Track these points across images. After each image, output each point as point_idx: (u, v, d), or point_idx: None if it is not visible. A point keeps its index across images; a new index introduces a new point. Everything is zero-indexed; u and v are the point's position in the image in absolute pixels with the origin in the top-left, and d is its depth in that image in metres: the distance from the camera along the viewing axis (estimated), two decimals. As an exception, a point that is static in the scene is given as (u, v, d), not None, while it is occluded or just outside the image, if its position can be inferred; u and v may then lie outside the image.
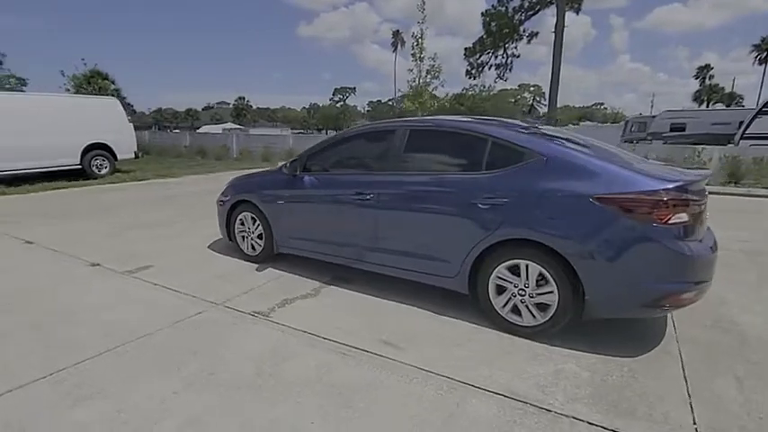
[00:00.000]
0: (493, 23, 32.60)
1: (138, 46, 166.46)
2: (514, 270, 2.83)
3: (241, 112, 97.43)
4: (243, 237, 4.48)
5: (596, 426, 2.04)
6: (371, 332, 2.95)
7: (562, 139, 3.10)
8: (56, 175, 10.62)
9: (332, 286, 3.79)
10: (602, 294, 2.61)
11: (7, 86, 49.47)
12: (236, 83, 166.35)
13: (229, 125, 48.19)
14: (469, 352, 2.71)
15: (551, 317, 2.74)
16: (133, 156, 12.09)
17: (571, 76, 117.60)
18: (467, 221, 2.95)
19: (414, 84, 18.10)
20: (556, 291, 2.69)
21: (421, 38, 17.70)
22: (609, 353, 2.67)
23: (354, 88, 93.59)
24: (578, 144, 3.07)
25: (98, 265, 4.34)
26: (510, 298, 2.88)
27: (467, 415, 2.11)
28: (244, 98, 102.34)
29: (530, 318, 2.83)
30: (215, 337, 2.88)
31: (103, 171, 11.30)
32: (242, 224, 4.46)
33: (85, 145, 10.84)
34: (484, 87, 35.89)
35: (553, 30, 26.49)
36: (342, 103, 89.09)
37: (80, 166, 10.82)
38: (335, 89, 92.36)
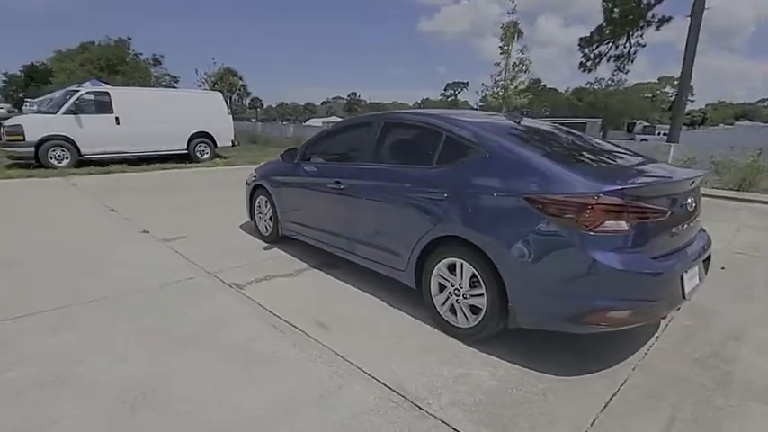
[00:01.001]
0: (615, 9, 29.49)
1: (267, 46, 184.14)
2: (452, 268, 2.75)
3: (352, 107, 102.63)
4: (260, 218, 4.93)
5: (458, 430, 1.95)
6: (316, 313, 3.10)
7: (522, 134, 2.89)
8: (168, 159, 12.50)
9: (316, 270, 4.01)
10: (524, 302, 2.41)
11: (163, 83, 58.73)
12: (355, 79, 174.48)
13: (334, 119, 51.08)
14: (392, 344, 2.72)
15: (480, 321, 2.61)
16: (230, 144, 13.66)
17: (731, 68, 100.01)
18: (414, 215, 2.93)
19: (498, 78, 17.29)
20: (485, 294, 2.55)
21: (512, 29, 16.79)
22: (541, 368, 2.46)
23: (467, 83, 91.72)
24: (543, 140, 2.84)
25: (147, 232, 5.15)
26: (448, 297, 2.80)
27: (339, 398, 2.17)
28: (355, 93, 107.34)
29: (463, 319, 2.72)
30: (186, 299, 3.29)
31: (205, 156, 12.98)
32: (259, 207, 4.91)
33: (191, 133, 12.57)
34: (612, 81, 32.59)
35: (688, 14, 23.04)
36: (453, 97, 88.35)
37: (186, 152, 12.61)
38: (447, 84, 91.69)
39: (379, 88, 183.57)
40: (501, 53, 17.00)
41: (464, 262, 2.65)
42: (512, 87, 16.41)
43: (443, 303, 2.83)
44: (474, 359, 2.56)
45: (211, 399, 2.15)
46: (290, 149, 4.32)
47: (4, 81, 59.45)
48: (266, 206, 4.74)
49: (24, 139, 9.84)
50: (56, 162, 10.21)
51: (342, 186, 3.54)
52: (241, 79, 57.88)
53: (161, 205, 6.78)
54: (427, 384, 2.29)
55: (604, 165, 2.84)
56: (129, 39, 53.59)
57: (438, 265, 2.81)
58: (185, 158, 12.60)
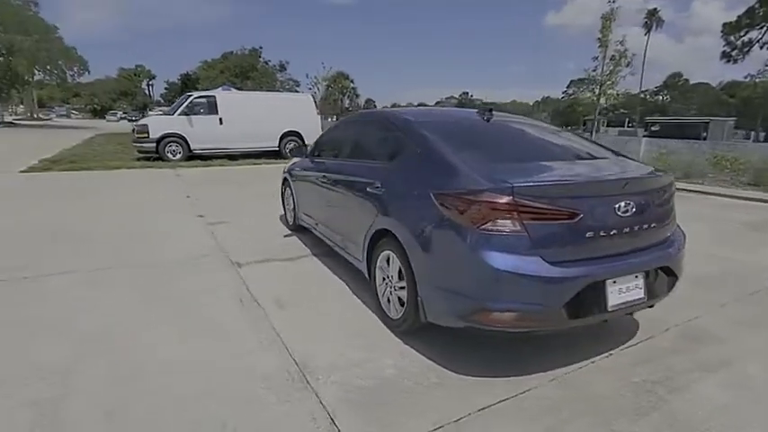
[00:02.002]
0: (775, -14, 24.68)
1: (384, 48, 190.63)
2: (388, 261, 2.85)
3: (463, 107, 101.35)
4: (287, 208, 5.45)
5: (324, 405, 2.10)
6: (283, 292, 3.42)
7: (467, 132, 2.86)
8: (262, 155, 13.98)
9: (314, 257, 4.35)
10: (427, 296, 2.42)
11: (286, 87, 64.68)
12: (472, 78, 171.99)
13: None
14: (329, 326, 2.92)
15: (403, 313, 2.68)
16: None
17: None
18: (363, 209, 3.08)
19: (594, 72, 15.65)
20: (406, 287, 2.62)
21: (610, 18, 15.11)
22: (449, 364, 2.43)
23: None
24: (486, 138, 2.82)
25: (202, 216, 6.02)
26: (385, 288, 2.91)
27: (245, 361, 2.45)
28: (467, 93, 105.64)
29: (393, 310, 2.81)
30: (188, 273, 3.88)
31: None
32: (285, 198, 5.42)
33: (282, 132, 13.91)
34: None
35: None
36: (574, 95, 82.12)
37: (278, 149, 13.98)
38: (571, 81, 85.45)
39: (497, 88, 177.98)
40: (599, 46, 15.45)
41: (394, 255, 2.73)
42: (608, 82, 14.82)
43: (383, 294, 2.95)
44: (393, 348, 2.64)
45: (146, 344, 2.61)
46: (300, 146, 4.73)
47: (165, 88, 71.54)
48: (289, 198, 5.23)
49: (149, 137, 11.95)
50: (171, 156, 12.19)
51: (325, 180, 3.82)
52: (352, 82, 61.65)
53: (229, 195, 7.76)
54: (329, 364, 2.45)
55: (528, 163, 2.64)
56: (261, 48, 59.82)
57: (380, 257, 2.93)
58: (276, 155, 13.98)
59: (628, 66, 15.43)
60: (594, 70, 15.66)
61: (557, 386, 2.30)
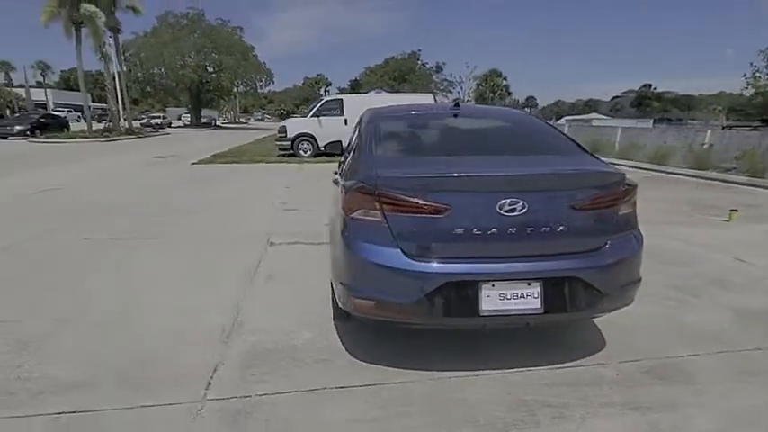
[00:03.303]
0: None
1: (552, 44, 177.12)
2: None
3: (643, 101, 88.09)
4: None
5: (224, 355, 2.50)
6: (284, 269, 3.94)
7: (417, 125, 3.00)
8: None
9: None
10: (331, 281, 2.59)
11: (441, 87, 65.82)
12: (661, 68, 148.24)
13: (594, 115, 45.56)
14: (296, 301, 3.27)
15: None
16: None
17: None
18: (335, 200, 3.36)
19: None
20: None
21: None
22: (360, 350, 2.57)
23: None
24: (431, 131, 2.84)
25: (284, 203, 6.99)
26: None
27: (202, 314, 3.01)
28: (650, 85, 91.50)
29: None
30: (229, 247, 4.68)
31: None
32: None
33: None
34: None
35: None
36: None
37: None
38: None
39: (700, 76, 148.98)
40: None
41: None
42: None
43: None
44: (322, 326, 2.85)
45: (163, 280, 3.40)
46: None
47: (337, 93, 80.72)
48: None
49: (286, 136, 13.95)
50: (302, 153, 14.00)
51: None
52: (505, 79, 59.51)
53: (324, 187, 8.69)
54: (259, 328, 2.84)
55: (446, 157, 2.54)
56: (419, 50, 62.40)
57: None
58: None
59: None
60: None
61: (429, 385, 2.25)
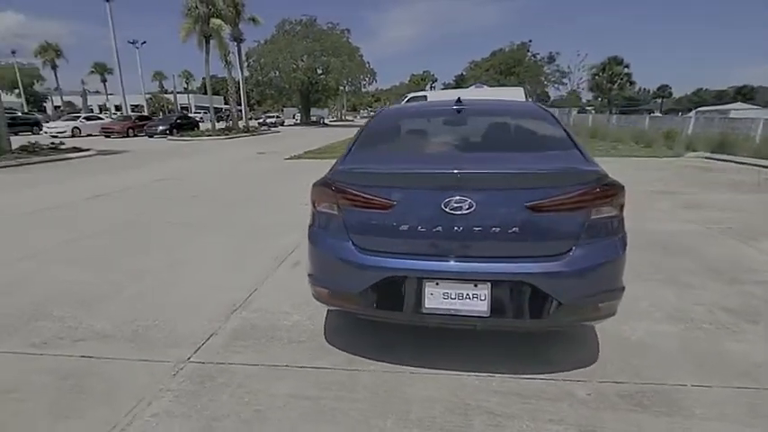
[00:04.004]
0: None
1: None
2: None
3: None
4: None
5: (219, 326, 2.84)
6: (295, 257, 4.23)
7: (416, 119, 3.20)
8: None
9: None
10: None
11: (552, 79, 62.15)
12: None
13: (737, 105, 38.43)
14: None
15: None
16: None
17: None
18: None
19: None
20: None
21: None
22: (338, 338, 2.74)
23: None
24: (424, 127, 2.90)
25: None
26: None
27: (221, 291, 3.41)
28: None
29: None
30: (265, 234, 5.12)
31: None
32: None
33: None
34: None
35: None
36: None
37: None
38: None
39: None
40: None
41: None
42: None
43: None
44: (313, 311, 3.03)
45: (203, 259, 3.92)
46: None
47: (442, 88, 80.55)
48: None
49: (371, 133, 14.42)
50: (385, 149, 14.35)
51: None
52: (626, 67, 53.23)
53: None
54: (261, 308, 3.14)
55: (428, 153, 2.63)
56: (530, 41, 59.51)
57: None
58: None
59: None
60: None
61: (380, 377, 2.31)
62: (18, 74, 48.85)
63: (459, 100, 3.03)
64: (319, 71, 46.82)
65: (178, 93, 66.06)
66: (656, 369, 2.34)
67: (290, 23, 46.60)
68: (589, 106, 55.23)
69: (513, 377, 2.28)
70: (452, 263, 2.07)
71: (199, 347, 2.61)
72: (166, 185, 8.91)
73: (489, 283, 2.03)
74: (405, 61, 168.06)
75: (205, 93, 37.13)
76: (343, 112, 76.57)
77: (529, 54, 65.05)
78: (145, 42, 48.21)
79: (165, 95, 63.09)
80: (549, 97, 69.33)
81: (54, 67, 46.49)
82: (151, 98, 58.24)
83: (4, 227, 5.69)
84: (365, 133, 2.83)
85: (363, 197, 2.16)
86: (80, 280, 3.71)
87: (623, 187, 2.14)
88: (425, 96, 14.18)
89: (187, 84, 70.31)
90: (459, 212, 2.02)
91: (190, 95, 67.76)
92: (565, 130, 2.56)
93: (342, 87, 51.46)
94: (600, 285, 2.07)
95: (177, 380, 2.30)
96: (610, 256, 2.06)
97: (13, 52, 51.01)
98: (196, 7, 24.72)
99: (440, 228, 2.05)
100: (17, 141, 15.07)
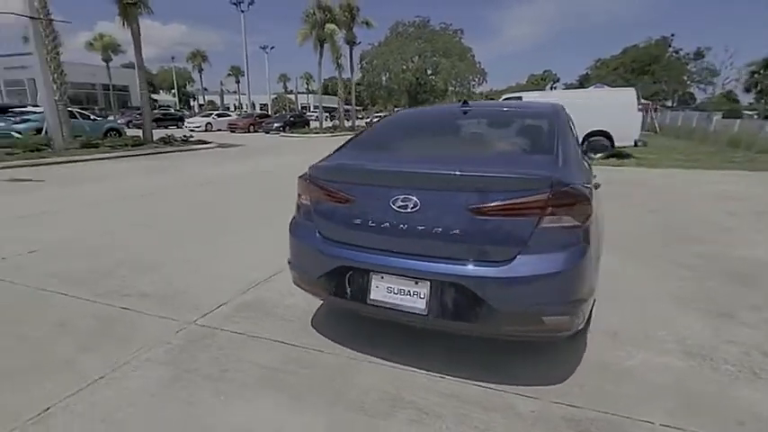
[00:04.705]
0: None
1: None
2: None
3: None
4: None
5: (231, 298, 3.25)
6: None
7: (417, 122, 3.30)
8: None
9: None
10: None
11: (696, 79, 54.65)
12: None
13: None
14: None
15: None
16: (632, 144, 12.76)
17: None
18: None
19: None
20: None
21: None
22: (321, 325, 2.97)
23: None
24: (420, 129, 3.00)
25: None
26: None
27: (241, 267, 3.84)
28: None
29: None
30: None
31: (597, 156, 12.95)
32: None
33: (589, 131, 12.90)
34: None
35: None
36: None
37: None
38: None
39: None
40: None
41: None
42: None
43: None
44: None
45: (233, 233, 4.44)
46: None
47: (563, 88, 75.64)
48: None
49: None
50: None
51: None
52: (799, 64, 43.88)
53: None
54: (275, 290, 3.47)
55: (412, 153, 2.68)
56: (672, 36, 53.22)
57: None
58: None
59: None
60: None
61: (338, 362, 2.46)
62: (174, 76, 58.12)
63: (465, 103, 3.02)
64: (429, 72, 47.28)
65: (300, 93, 72.19)
66: (628, 400, 2.12)
67: (403, 25, 47.81)
68: (751, 110, 46.38)
69: (463, 381, 2.26)
70: (397, 259, 2.13)
71: (206, 314, 3.03)
72: (254, 178, 9.98)
73: (429, 282, 2.06)
74: (525, 60, 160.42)
75: (324, 93, 40.10)
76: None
77: (670, 50, 57.68)
78: (273, 47, 53.67)
79: (288, 95, 69.35)
80: (694, 99, 60.63)
81: (200, 71, 54.17)
82: (276, 98, 64.55)
83: (123, 204, 6.99)
84: (366, 132, 2.99)
85: (328, 190, 2.34)
86: (151, 248, 4.48)
87: (585, 196, 1.99)
88: (520, 98, 13.61)
89: (308, 85, 76.26)
90: (404, 211, 2.09)
91: (310, 96, 73.41)
92: (557, 134, 2.42)
93: (451, 88, 51.20)
94: (542, 297, 1.96)
95: (177, 336, 2.73)
96: (558, 267, 1.94)
97: (173, 58, 60.92)
98: (314, 13, 26.81)
99: (388, 224, 2.14)
100: (159, 134, 18.06)
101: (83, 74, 38.62)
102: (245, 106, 58.39)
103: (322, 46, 27.86)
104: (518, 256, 1.96)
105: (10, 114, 15.35)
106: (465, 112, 2.97)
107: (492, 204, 1.96)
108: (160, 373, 2.35)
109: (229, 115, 35.13)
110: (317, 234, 2.39)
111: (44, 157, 11.48)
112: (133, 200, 7.19)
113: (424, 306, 2.07)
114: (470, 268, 2.00)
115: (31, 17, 11.41)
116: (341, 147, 2.83)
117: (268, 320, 2.95)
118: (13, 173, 9.99)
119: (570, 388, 2.22)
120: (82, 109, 19.73)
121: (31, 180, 9.14)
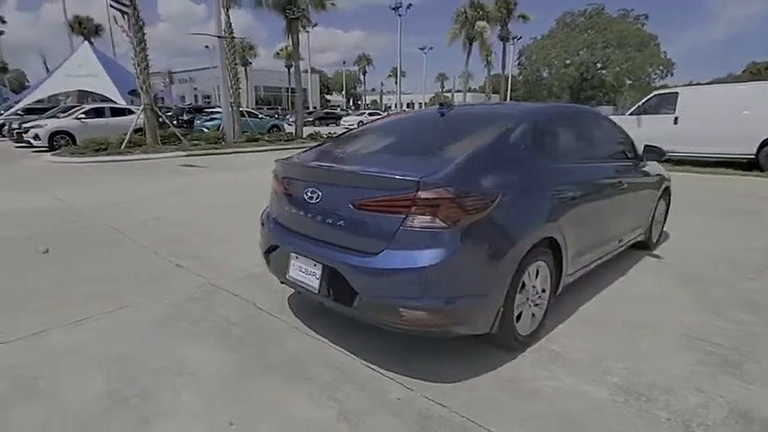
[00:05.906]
0: None
1: None
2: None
3: None
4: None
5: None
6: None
7: (399, 125, 3.50)
8: (732, 164, 10.87)
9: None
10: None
11: None
12: None
13: None
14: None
15: None
16: None
17: None
18: None
19: None
20: None
21: None
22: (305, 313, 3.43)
23: None
24: (407, 130, 3.30)
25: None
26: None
27: (237, 256, 4.50)
28: None
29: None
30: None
31: (777, 166, 10.14)
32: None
33: (764, 138, 10.21)
34: None
35: None
36: None
37: (754, 157, 10.45)
38: None
39: None
40: None
41: None
42: None
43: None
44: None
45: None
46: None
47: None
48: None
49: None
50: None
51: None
52: None
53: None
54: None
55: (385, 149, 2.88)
56: None
57: None
58: (754, 167, 10.44)
59: None
60: None
61: (301, 344, 2.74)
62: (344, 78, 64.93)
63: (441, 105, 3.10)
64: (598, 65, 42.61)
65: (458, 92, 72.80)
66: (508, 416, 2.03)
67: (572, 15, 43.93)
68: None
69: (362, 362, 2.45)
70: (304, 242, 2.48)
71: (222, 276, 3.79)
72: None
73: (321, 266, 2.35)
74: (744, 46, 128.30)
75: (483, 92, 39.96)
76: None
77: None
78: (432, 48, 55.12)
79: (446, 94, 70.64)
80: None
81: (364, 73, 59.32)
82: (434, 96, 66.41)
83: (244, 188, 8.52)
84: (348, 132, 3.34)
85: (278, 181, 2.80)
86: (232, 226, 5.57)
87: (453, 200, 2.00)
88: (676, 94, 11.61)
89: (465, 83, 76.36)
90: (311, 202, 2.42)
91: (467, 94, 73.42)
92: (482, 140, 2.42)
93: (629, 82, 44.91)
94: (399, 291, 2.07)
95: (194, 290, 3.53)
96: (416, 263, 2.02)
97: (344, 62, 67.81)
98: (465, 12, 26.92)
99: (302, 212, 2.49)
100: (321, 131, 20.77)
101: (272, 79, 46.43)
102: (403, 105, 61.71)
103: (471, 44, 27.81)
104: (385, 251, 2.10)
105: (203, 114, 19.93)
106: (442, 115, 3.07)
107: (367, 200, 2.15)
108: (162, 310, 3.15)
109: (380, 114, 37.79)
110: (272, 216, 2.87)
111: (217, 148, 14.53)
112: (256, 184, 8.71)
113: (317, 285, 2.37)
114: (347, 257, 2.22)
115: (218, 36, 14.52)
116: (316, 145, 3.25)
117: (264, 290, 3.52)
118: (189, 160, 12.90)
119: (455, 390, 2.22)
120: (269, 109, 23.98)
121: (197, 166, 11.73)
